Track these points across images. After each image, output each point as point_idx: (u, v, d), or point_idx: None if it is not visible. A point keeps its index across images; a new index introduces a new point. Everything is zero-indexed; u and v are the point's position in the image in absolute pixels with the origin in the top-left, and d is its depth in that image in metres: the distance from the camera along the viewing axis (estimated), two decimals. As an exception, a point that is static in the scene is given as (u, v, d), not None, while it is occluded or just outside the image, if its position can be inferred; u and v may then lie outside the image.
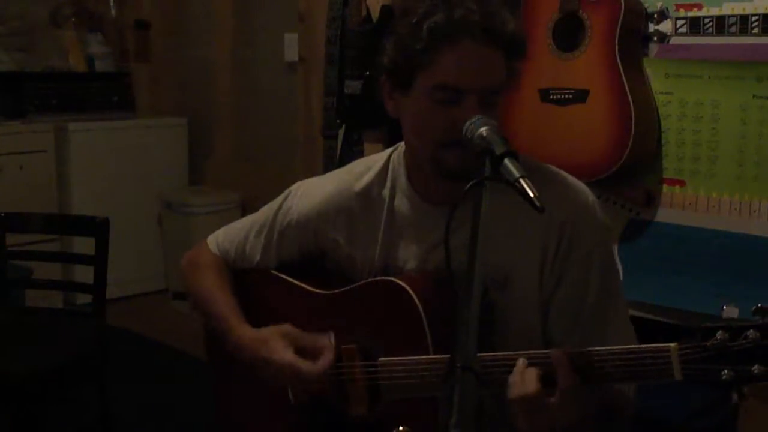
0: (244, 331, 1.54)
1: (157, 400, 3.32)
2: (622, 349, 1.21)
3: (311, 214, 1.58)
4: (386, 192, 1.52)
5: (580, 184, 1.47)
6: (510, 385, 1.22)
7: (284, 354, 1.45)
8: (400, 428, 1.39)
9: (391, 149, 1.57)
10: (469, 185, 1.17)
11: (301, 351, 1.46)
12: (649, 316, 2.29)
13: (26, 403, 2.48)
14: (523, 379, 1.20)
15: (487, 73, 1.35)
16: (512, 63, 1.39)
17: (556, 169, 1.49)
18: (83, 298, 3.27)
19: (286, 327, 1.49)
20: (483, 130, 1.25)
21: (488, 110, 1.33)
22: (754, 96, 2.16)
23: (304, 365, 1.43)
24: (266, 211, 1.66)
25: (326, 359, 1.44)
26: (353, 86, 2.93)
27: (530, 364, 1.22)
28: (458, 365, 0.95)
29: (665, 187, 2.33)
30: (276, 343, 1.47)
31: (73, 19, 4.81)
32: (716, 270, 2.23)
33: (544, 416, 1.20)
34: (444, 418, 0.91)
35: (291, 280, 1.60)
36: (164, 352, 3.83)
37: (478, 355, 1.24)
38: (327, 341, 1.46)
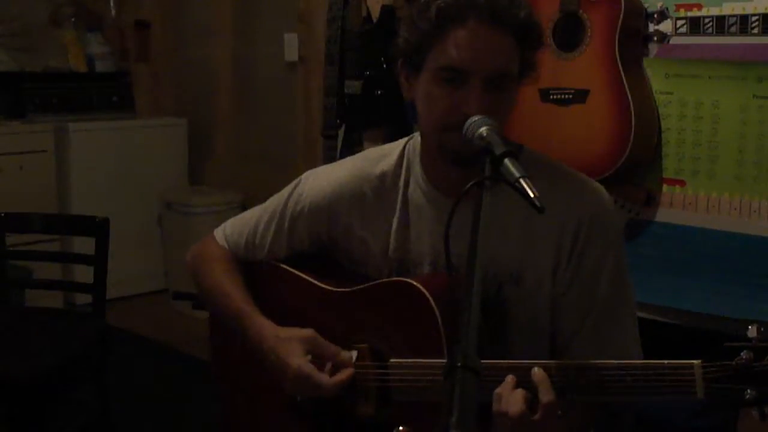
0: (265, 325, 1.51)
1: (157, 400, 3.32)
2: (642, 363, 1.22)
3: (324, 200, 1.55)
4: (401, 182, 1.51)
5: (596, 184, 1.47)
6: (495, 398, 1.22)
7: (302, 360, 1.43)
8: (400, 428, 1.38)
9: (406, 138, 1.55)
10: (469, 185, 1.16)
11: (318, 359, 1.44)
12: (649, 317, 2.28)
13: (26, 403, 2.48)
14: (509, 398, 1.21)
15: (492, 56, 1.33)
16: (526, 51, 1.37)
17: (572, 169, 1.48)
18: (83, 298, 3.27)
19: (310, 332, 1.47)
20: (483, 130, 1.24)
21: (494, 95, 1.32)
22: (754, 96, 2.16)
23: (319, 377, 1.42)
24: (276, 200, 1.63)
25: (343, 375, 1.42)
26: (353, 86, 2.93)
27: (520, 380, 1.23)
28: (458, 365, 0.95)
29: (665, 187, 2.32)
30: (296, 347, 1.45)
31: (73, 19, 4.81)
32: (716, 270, 2.23)
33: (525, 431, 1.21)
34: (444, 418, 0.91)
35: (303, 275, 1.58)
36: (164, 352, 3.83)
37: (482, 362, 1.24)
38: (348, 357, 1.45)
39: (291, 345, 1.45)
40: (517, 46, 1.35)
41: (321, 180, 1.58)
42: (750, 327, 1.14)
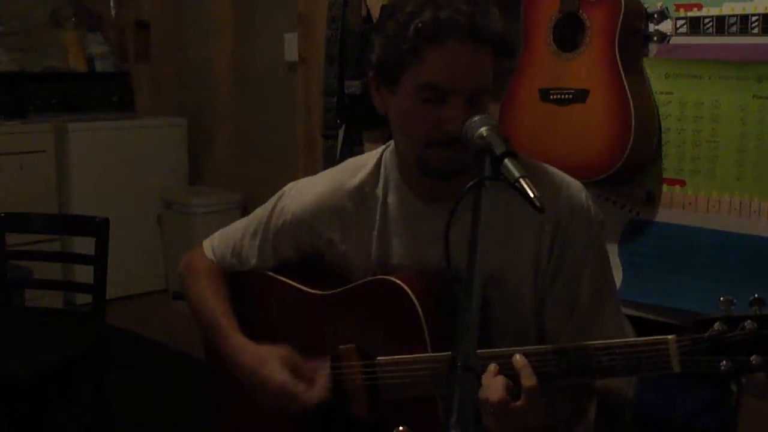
0: (242, 344, 1.54)
1: (157, 400, 3.32)
2: (620, 342, 1.23)
3: (305, 214, 1.57)
4: (379, 190, 1.52)
5: (573, 181, 1.47)
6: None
7: (281, 376, 1.45)
8: (400, 428, 1.39)
9: (383, 147, 1.57)
10: (469, 185, 1.17)
11: (296, 375, 1.46)
12: (649, 316, 2.29)
13: (26, 403, 2.47)
14: (490, 386, 1.22)
15: (473, 74, 1.35)
16: (500, 62, 1.39)
17: (549, 167, 1.49)
18: (83, 298, 3.28)
19: (285, 350, 1.49)
20: (483, 129, 1.25)
21: (474, 110, 1.33)
22: (754, 96, 2.16)
23: (300, 389, 1.44)
24: (260, 213, 1.65)
25: (321, 387, 1.45)
26: (353, 86, 2.92)
27: (502, 368, 1.24)
28: (458, 365, 0.95)
29: (665, 187, 2.33)
30: (274, 364, 1.47)
31: (73, 19, 4.81)
32: (716, 270, 2.23)
33: (510, 419, 1.22)
34: (444, 418, 0.91)
35: (288, 281, 1.60)
36: (164, 352, 3.83)
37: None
38: (323, 368, 1.47)
39: (269, 362, 1.48)
40: (493, 57, 1.37)
41: (301, 193, 1.60)
42: (721, 299, 1.16)
